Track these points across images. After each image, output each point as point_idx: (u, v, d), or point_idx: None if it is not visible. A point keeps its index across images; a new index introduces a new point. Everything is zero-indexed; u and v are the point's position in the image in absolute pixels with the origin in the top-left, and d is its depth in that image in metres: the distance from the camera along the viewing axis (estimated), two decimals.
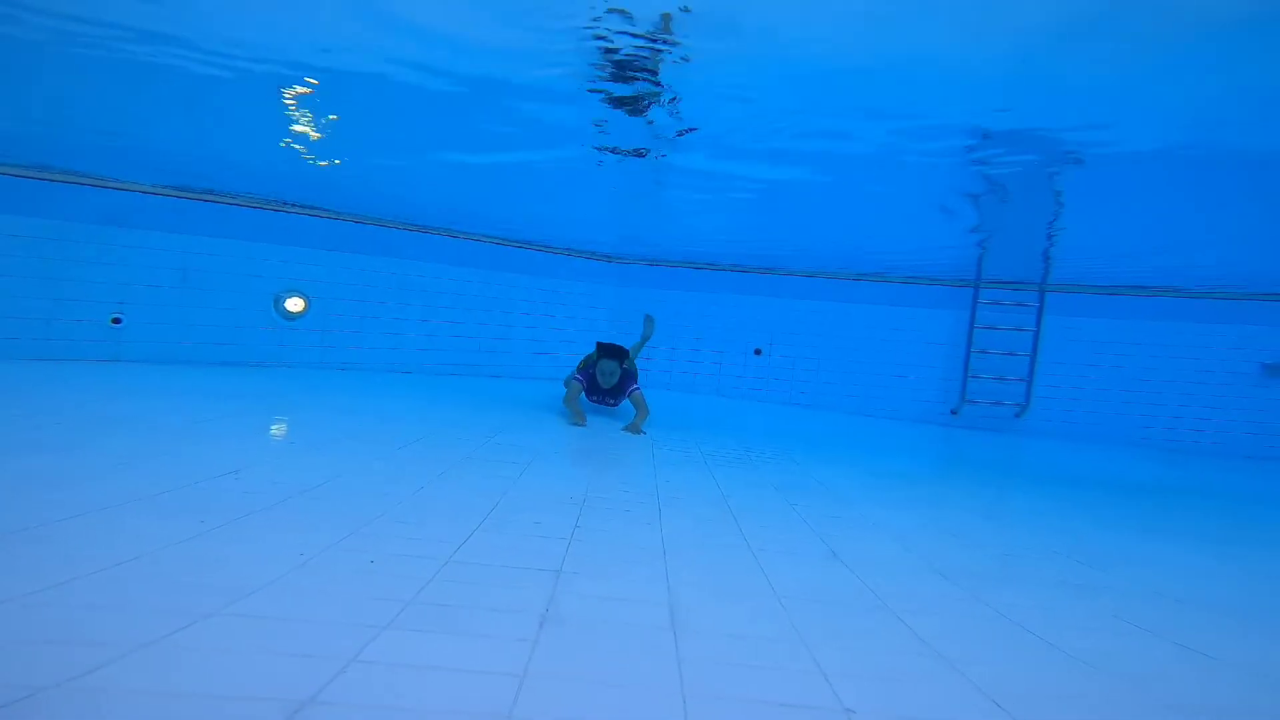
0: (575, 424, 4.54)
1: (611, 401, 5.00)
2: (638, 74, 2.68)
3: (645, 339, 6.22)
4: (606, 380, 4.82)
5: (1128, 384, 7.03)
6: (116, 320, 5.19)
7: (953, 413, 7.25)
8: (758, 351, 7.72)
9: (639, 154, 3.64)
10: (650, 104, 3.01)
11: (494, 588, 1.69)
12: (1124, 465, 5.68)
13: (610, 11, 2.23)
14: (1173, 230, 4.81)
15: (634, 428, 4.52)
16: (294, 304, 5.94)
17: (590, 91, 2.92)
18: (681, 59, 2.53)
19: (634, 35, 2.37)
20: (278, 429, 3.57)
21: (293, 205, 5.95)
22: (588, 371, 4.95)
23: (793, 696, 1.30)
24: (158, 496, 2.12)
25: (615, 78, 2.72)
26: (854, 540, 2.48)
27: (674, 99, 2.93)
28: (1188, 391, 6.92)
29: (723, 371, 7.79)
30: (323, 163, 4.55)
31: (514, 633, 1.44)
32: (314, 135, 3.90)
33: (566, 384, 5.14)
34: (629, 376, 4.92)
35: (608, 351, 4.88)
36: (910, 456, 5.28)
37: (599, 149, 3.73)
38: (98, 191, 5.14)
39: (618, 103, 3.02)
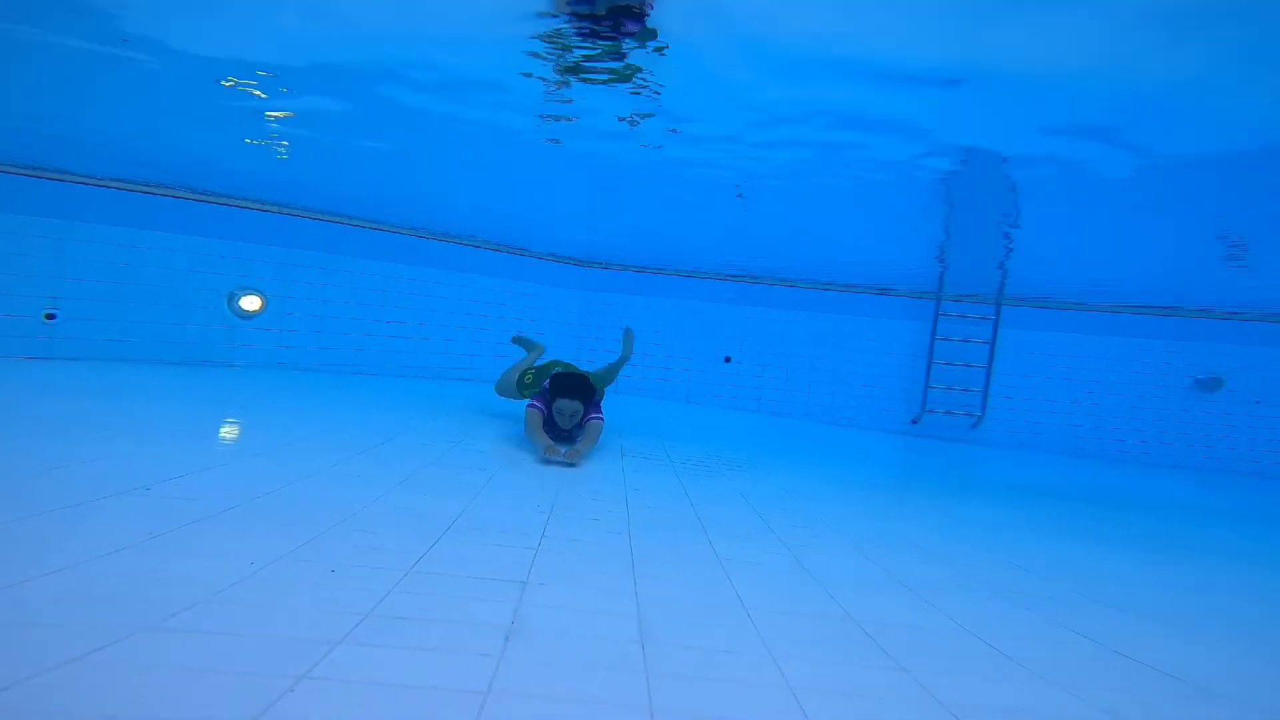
0: (549, 457, 3.38)
1: (568, 437, 3.85)
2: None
3: (625, 359, 5.00)
4: (566, 421, 3.69)
5: (1074, 396, 7.35)
6: (50, 316, 4.88)
7: (914, 422, 7.43)
8: (728, 359, 7.77)
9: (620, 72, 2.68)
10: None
11: (457, 599, 1.63)
12: (1070, 475, 5.92)
13: None
14: (1113, 248, 5.08)
15: (573, 452, 3.43)
16: (250, 302, 5.70)
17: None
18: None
19: None
20: (228, 431, 3.40)
21: (252, 201, 5.73)
22: (544, 399, 3.79)
23: (760, 713, 1.29)
24: (91, 503, 1.97)
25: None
26: (820, 550, 2.50)
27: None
28: (1127, 404, 7.27)
29: (693, 378, 7.82)
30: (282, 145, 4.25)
31: (477, 647, 1.39)
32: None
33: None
34: (594, 405, 3.83)
35: (569, 388, 3.66)
36: (873, 465, 5.38)
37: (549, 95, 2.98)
38: (30, 181, 4.84)
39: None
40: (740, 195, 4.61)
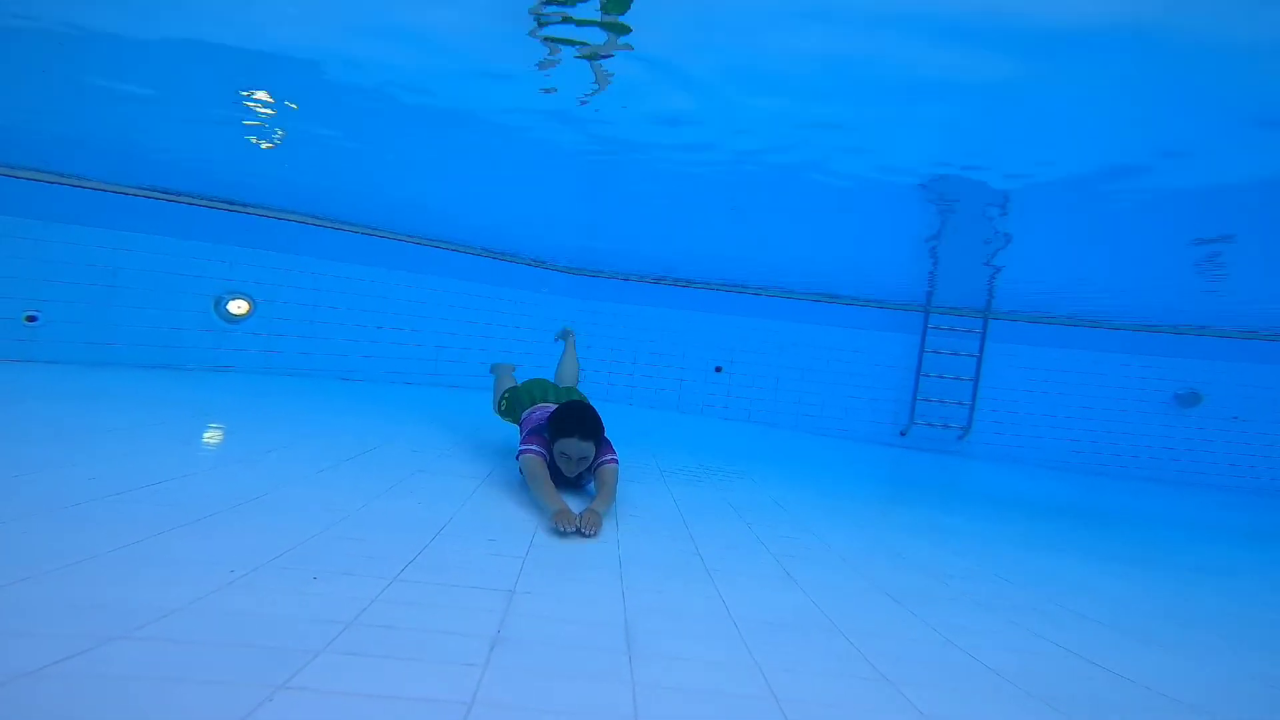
0: (562, 529, 2.33)
1: (576, 484, 2.98)
2: None
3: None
4: (573, 469, 2.78)
5: (1058, 410, 7.44)
6: (31, 318, 4.81)
7: (902, 434, 7.49)
8: (719, 369, 7.80)
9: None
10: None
11: (442, 608, 1.61)
12: (1053, 488, 5.97)
13: None
14: (1096, 267, 5.18)
15: (590, 516, 2.41)
16: (237, 306, 5.64)
17: None
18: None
19: None
20: (211, 437, 3.34)
21: (241, 204, 5.69)
22: (541, 438, 2.81)
23: None
24: (66, 509, 1.93)
25: None
26: (807, 561, 2.50)
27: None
28: (1109, 418, 7.37)
29: (684, 388, 7.83)
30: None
31: (462, 657, 1.37)
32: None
33: (521, 459, 2.78)
34: (605, 443, 2.86)
35: (575, 424, 2.71)
36: (861, 477, 5.40)
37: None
38: (11, 182, 4.77)
39: None
40: (734, 208, 4.66)
